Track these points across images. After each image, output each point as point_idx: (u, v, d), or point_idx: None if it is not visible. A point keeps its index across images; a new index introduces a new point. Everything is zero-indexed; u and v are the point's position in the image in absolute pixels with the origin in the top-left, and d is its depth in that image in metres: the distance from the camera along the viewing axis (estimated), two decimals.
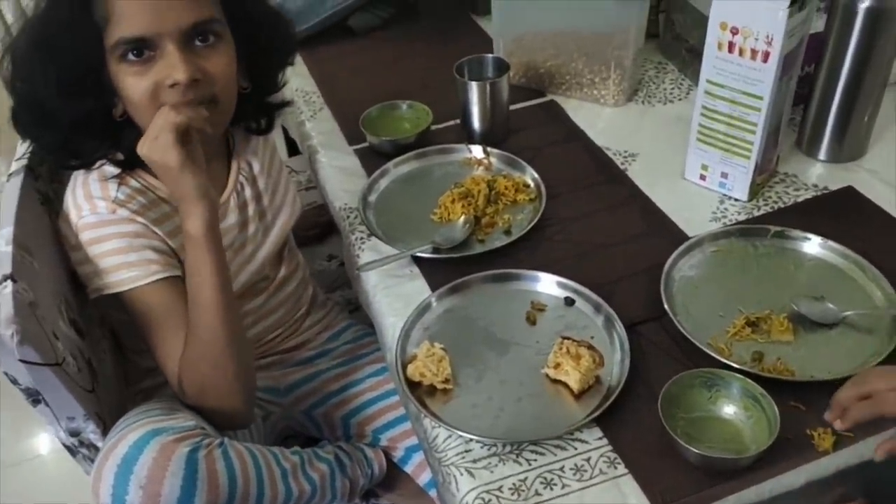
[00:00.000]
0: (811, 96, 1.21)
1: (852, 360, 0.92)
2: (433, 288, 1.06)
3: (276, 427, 1.25)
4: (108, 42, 0.91)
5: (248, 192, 1.13)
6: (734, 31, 1.05)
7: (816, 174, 1.21)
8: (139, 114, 0.94)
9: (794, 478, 0.83)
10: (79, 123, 0.95)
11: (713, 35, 1.07)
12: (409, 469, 1.19)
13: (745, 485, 0.81)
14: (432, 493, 1.16)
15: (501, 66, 1.30)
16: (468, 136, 1.33)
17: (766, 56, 1.03)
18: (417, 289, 1.07)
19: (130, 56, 0.91)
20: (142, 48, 0.90)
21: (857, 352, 0.93)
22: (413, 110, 1.36)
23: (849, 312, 0.96)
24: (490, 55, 1.33)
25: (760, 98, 1.07)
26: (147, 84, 0.91)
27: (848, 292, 1.00)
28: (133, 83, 0.92)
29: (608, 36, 1.34)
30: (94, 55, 0.91)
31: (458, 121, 1.37)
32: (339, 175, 1.29)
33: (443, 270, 1.09)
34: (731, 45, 1.06)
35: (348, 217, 1.21)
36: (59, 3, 0.91)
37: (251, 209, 1.13)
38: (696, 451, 0.81)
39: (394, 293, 1.07)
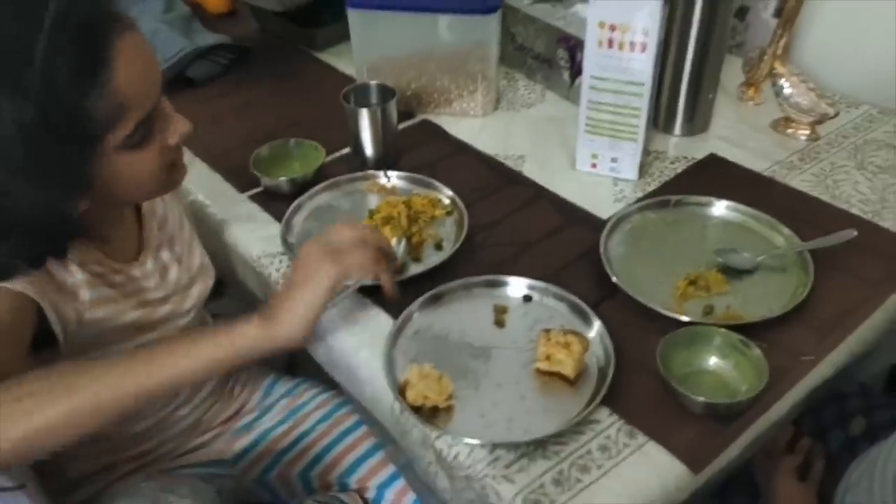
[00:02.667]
0: (662, 79, 1.36)
1: (782, 296, 1.04)
2: (391, 313, 1.05)
3: (231, 503, 1.15)
4: (116, 137, 0.77)
5: (165, 255, 1.04)
6: (612, 28, 1.16)
7: (679, 147, 1.36)
8: (143, 189, 0.86)
9: (779, 409, 0.93)
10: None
11: (593, 35, 1.17)
12: None
13: (749, 423, 0.90)
14: None
15: (386, 92, 1.32)
16: (362, 163, 1.32)
17: (644, 47, 1.15)
18: (376, 318, 1.05)
19: (137, 136, 0.79)
20: (147, 123, 0.80)
21: (783, 288, 1.06)
22: (300, 147, 1.33)
23: (761, 257, 1.10)
24: (373, 82, 1.34)
25: (642, 84, 1.18)
26: (155, 155, 0.83)
27: (753, 241, 1.14)
28: (142, 162, 0.82)
29: (467, 52, 1.41)
30: (87, 157, 0.77)
31: (346, 150, 1.36)
32: (243, 224, 1.23)
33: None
34: (610, 42, 1.17)
35: (271, 264, 1.15)
36: (52, 116, 0.72)
37: (172, 274, 1.05)
38: (703, 400, 0.89)
39: (357, 328, 1.04)
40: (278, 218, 1.21)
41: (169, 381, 0.82)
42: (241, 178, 1.30)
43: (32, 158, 0.72)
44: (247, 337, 0.86)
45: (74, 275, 0.87)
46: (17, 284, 0.79)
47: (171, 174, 0.90)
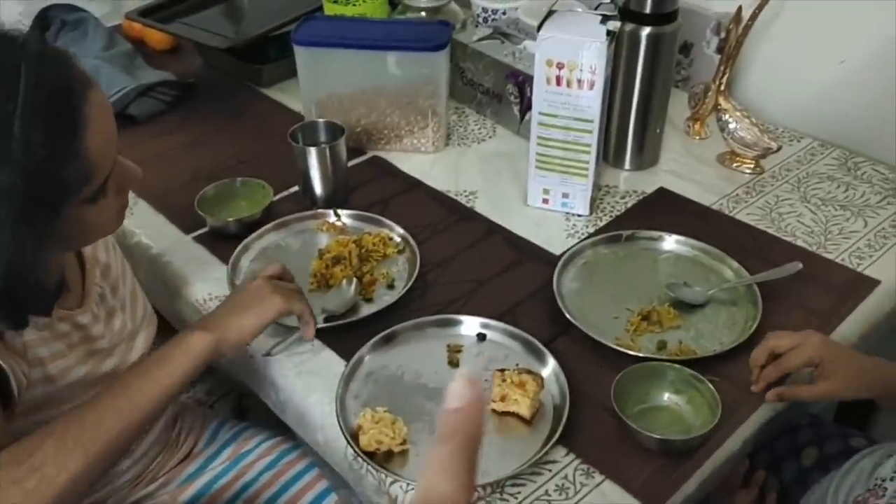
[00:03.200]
0: (610, 116, 1.38)
1: (733, 329, 1.05)
2: (342, 355, 1.03)
3: None
4: (87, 191, 0.78)
5: (110, 301, 1.01)
6: (560, 66, 1.17)
7: (629, 182, 1.37)
8: (98, 236, 0.90)
9: (733, 443, 0.93)
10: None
11: (541, 72, 1.18)
12: None
13: (704, 458, 0.90)
14: None
15: (335, 129, 1.30)
16: (311, 202, 1.30)
17: (592, 84, 1.16)
18: (327, 361, 1.03)
19: (99, 191, 0.80)
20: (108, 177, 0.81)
21: (734, 322, 1.07)
22: (246, 186, 1.31)
23: (712, 291, 1.11)
24: (321, 120, 1.33)
25: (591, 121, 1.19)
26: (113, 204, 0.84)
27: (703, 274, 1.15)
28: (100, 212, 0.82)
29: (417, 87, 1.40)
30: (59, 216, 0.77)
31: (294, 189, 1.34)
32: (188, 266, 1.20)
33: (344, 336, 1.06)
34: (558, 79, 1.18)
35: None
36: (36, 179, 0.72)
37: (117, 322, 1.01)
38: (658, 436, 0.89)
39: (306, 371, 1.02)
40: (225, 259, 1.19)
41: (151, 405, 0.86)
42: (185, 219, 1.27)
43: (13, 222, 0.72)
44: (199, 347, 0.90)
45: (26, 332, 0.84)
46: None
47: (121, 216, 0.91)
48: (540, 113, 1.22)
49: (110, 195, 0.83)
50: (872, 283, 1.12)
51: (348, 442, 0.91)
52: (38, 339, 0.86)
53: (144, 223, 1.29)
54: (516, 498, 0.86)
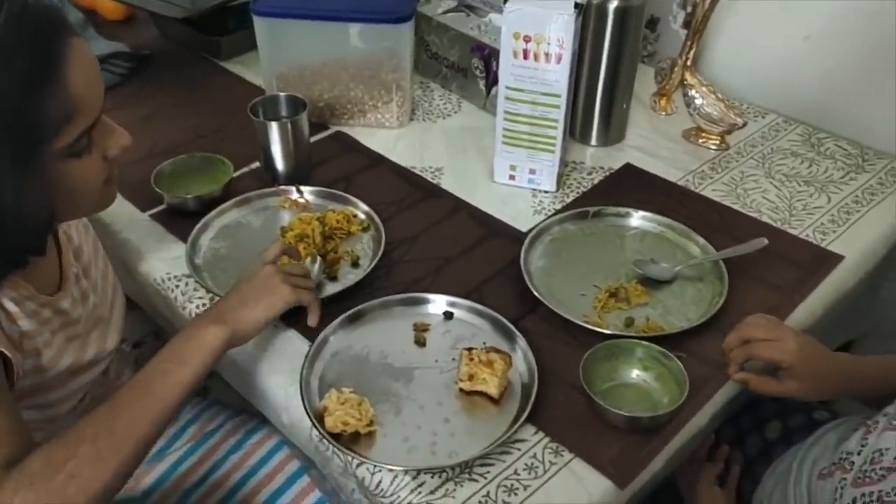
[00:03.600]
0: (577, 91, 1.36)
1: (700, 305, 1.06)
2: (306, 334, 1.01)
3: None
4: (61, 142, 0.74)
5: (84, 283, 0.97)
6: (527, 40, 1.14)
7: (596, 158, 1.36)
8: (88, 199, 0.83)
9: (701, 419, 0.93)
10: None
11: (507, 45, 1.16)
12: None
13: (672, 434, 0.90)
14: None
15: (297, 104, 1.27)
16: (273, 179, 1.27)
17: (560, 58, 1.14)
18: (290, 340, 1.01)
19: (80, 144, 0.76)
20: (90, 132, 0.77)
21: (700, 298, 1.07)
22: (205, 162, 1.26)
23: (679, 267, 1.10)
24: (282, 93, 1.29)
25: (558, 96, 1.18)
26: (96, 165, 0.80)
27: (670, 250, 1.15)
28: (89, 169, 0.79)
29: (380, 61, 1.37)
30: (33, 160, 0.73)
31: (255, 165, 1.30)
32: (146, 245, 1.16)
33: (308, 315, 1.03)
34: (525, 53, 1.16)
35: (177, 287, 1.09)
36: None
37: (90, 304, 0.97)
38: (625, 414, 0.88)
39: (270, 352, 0.99)
40: (183, 238, 1.15)
41: (175, 403, 0.84)
42: (141, 196, 1.23)
43: None
44: (217, 340, 0.88)
45: (18, 320, 0.82)
46: None
47: (108, 189, 0.87)
48: (507, 87, 1.20)
49: (95, 153, 0.80)
50: (836, 259, 1.13)
51: (313, 424, 0.89)
52: (33, 330, 0.84)
53: None
54: (485, 478, 0.85)
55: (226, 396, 1.18)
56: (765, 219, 1.20)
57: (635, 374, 0.96)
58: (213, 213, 1.18)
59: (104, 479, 0.76)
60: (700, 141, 1.37)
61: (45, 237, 0.81)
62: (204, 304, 1.06)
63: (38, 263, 0.84)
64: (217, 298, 1.05)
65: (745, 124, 1.33)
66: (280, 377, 0.97)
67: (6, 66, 0.68)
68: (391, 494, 0.84)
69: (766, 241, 1.09)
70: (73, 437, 0.77)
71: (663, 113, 1.47)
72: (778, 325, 0.95)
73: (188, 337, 0.88)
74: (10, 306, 0.81)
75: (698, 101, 1.34)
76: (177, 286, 1.09)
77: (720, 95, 1.34)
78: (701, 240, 1.14)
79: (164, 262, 1.13)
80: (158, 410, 0.82)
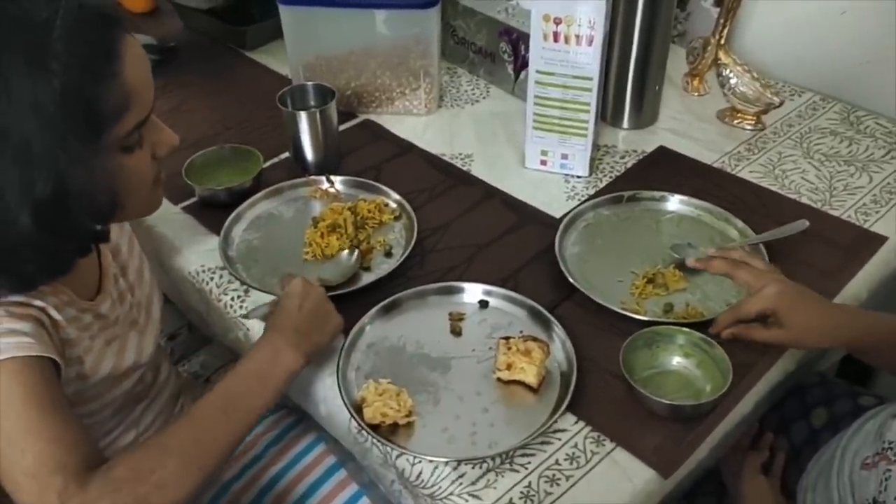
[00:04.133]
0: (608, 73, 1.34)
1: (740, 290, 1.03)
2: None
3: None
4: (118, 132, 0.75)
5: (122, 283, 0.97)
6: (557, 22, 1.12)
7: (629, 141, 1.34)
8: (137, 199, 0.83)
9: (745, 406, 0.91)
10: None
11: (537, 28, 1.14)
12: None
13: (716, 422, 0.88)
14: None
15: (325, 93, 1.26)
16: (302, 169, 1.26)
17: (591, 40, 1.12)
18: None
19: (133, 138, 0.78)
20: (142, 127, 0.78)
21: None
22: (235, 153, 1.26)
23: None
24: (310, 83, 1.28)
25: (590, 79, 1.16)
26: (147, 162, 0.81)
27: (707, 234, 1.13)
28: (141, 167, 0.80)
29: (407, 47, 1.36)
30: (91, 147, 0.74)
31: (286, 155, 1.30)
32: (179, 238, 1.16)
33: (343, 306, 1.02)
34: (555, 35, 1.13)
35: (212, 279, 1.09)
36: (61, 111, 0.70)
37: (128, 302, 0.97)
38: (668, 402, 0.87)
39: None
40: (216, 230, 1.15)
41: (254, 421, 0.85)
42: (173, 189, 1.21)
43: (44, 143, 0.70)
44: (296, 367, 0.88)
45: (61, 328, 0.82)
46: (32, 348, 0.76)
47: (155, 191, 0.88)
48: (537, 71, 1.18)
49: (145, 150, 0.81)
50: (880, 240, 1.10)
51: (352, 415, 0.88)
52: (75, 337, 0.84)
53: None
54: (526, 468, 0.84)
55: None
56: (804, 200, 1.18)
57: (676, 361, 0.94)
58: (245, 204, 1.18)
59: (186, 490, 0.78)
60: (735, 122, 1.34)
61: (108, 223, 0.82)
62: (239, 297, 1.06)
63: (78, 267, 0.83)
64: (249, 290, 1.05)
65: (781, 103, 1.30)
66: (317, 369, 0.96)
67: (70, 50, 0.69)
68: (432, 485, 0.84)
69: (807, 223, 1.06)
70: (159, 448, 0.79)
71: (696, 94, 1.44)
72: (764, 273, 0.93)
73: (272, 359, 0.88)
74: (54, 314, 0.81)
75: (733, 81, 1.31)
76: (211, 279, 1.09)
77: (755, 74, 1.31)
78: (739, 223, 1.12)
79: (198, 254, 1.13)
80: (240, 429, 0.84)
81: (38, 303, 0.79)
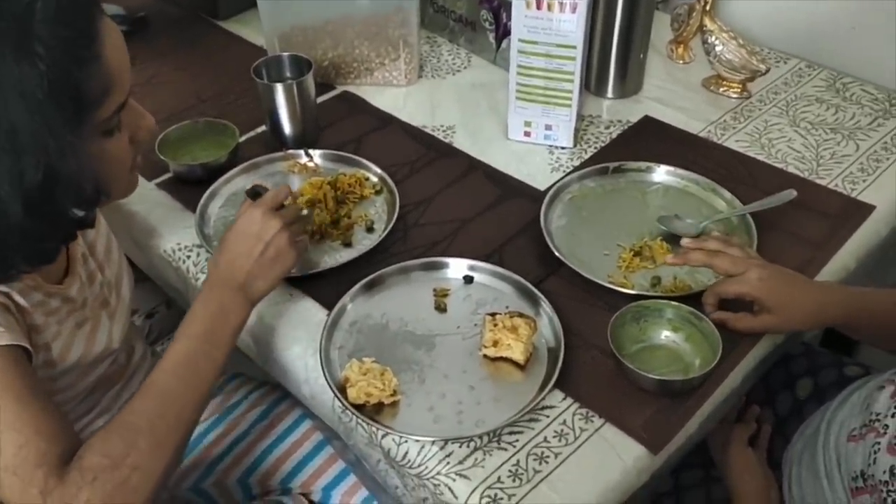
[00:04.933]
0: (592, 41, 1.31)
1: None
2: (323, 303, 0.98)
3: None
4: (100, 116, 0.73)
5: (91, 263, 0.94)
6: None
7: (613, 111, 1.32)
8: (118, 184, 0.81)
9: (734, 379, 0.90)
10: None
11: None
12: None
13: (705, 396, 0.87)
14: None
15: (301, 64, 1.22)
16: (280, 143, 1.23)
17: (574, 7, 1.09)
18: (308, 310, 0.98)
19: (113, 122, 0.76)
20: (121, 110, 0.76)
21: None
22: (210, 128, 1.22)
23: (704, 223, 1.07)
24: (286, 54, 1.24)
25: (574, 47, 1.13)
26: (126, 147, 0.79)
27: (695, 205, 1.11)
28: (120, 150, 0.78)
29: (386, 16, 1.32)
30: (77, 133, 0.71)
31: (262, 129, 1.26)
32: (153, 215, 1.13)
33: (324, 284, 1.00)
34: (538, 2, 1.10)
35: (188, 258, 1.06)
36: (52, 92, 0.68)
37: (98, 282, 0.94)
38: (657, 377, 0.85)
39: (287, 322, 0.97)
40: (191, 207, 1.11)
41: (214, 383, 0.84)
42: (147, 164, 1.17)
43: (32, 130, 0.68)
44: (243, 316, 0.88)
45: (27, 314, 0.80)
46: (2, 336, 0.74)
47: (133, 175, 0.87)
48: (520, 40, 1.15)
49: (124, 134, 0.79)
50: (867, 209, 1.09)
51: (336, 395, 0.86)
52: (41, 323, 0.82)
53: None
54: (514, 446, 0.83)
55: (248, 370, 1.16)
56: (791, 169, 1.16)
57: (664, 335, 0.92)
58: (221, 180, 1.15)
59: (164, 464, 0.77)
60: (721, 90, 1.32)
61: (94, 209, 0.80)
62: None
63: None
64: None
65: (767, 70, 1.28)
66: (299, 348, 0.94)
67: (53, 34, 0.68)
68: (419, 465, 0.82)
69: (794, 193, 1.05)
70: (126, 429, 0.76)
71: (681, 61, 1.41)
72: (742, 260, 0.92)
73: (219, 315, 0.86)
74: (19, 299, 0.78)
75: (718, 48, 1.28)
76: (188, 257, 1.06)
77: (741, 41, 1.28)
78: (727, 193, 1.10)
79: (174, 232, 1.09)
80: (203, 392, 0.83)
81: (1, 288, 0.76)
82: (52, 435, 0.73)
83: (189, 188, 1.15)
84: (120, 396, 1.01)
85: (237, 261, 0.88)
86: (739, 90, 1.31)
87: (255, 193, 0.95)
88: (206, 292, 0.88)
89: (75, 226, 0.79)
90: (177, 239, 1.08)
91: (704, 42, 1.31)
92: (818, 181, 1.14)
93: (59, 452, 0.73)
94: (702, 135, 1.24)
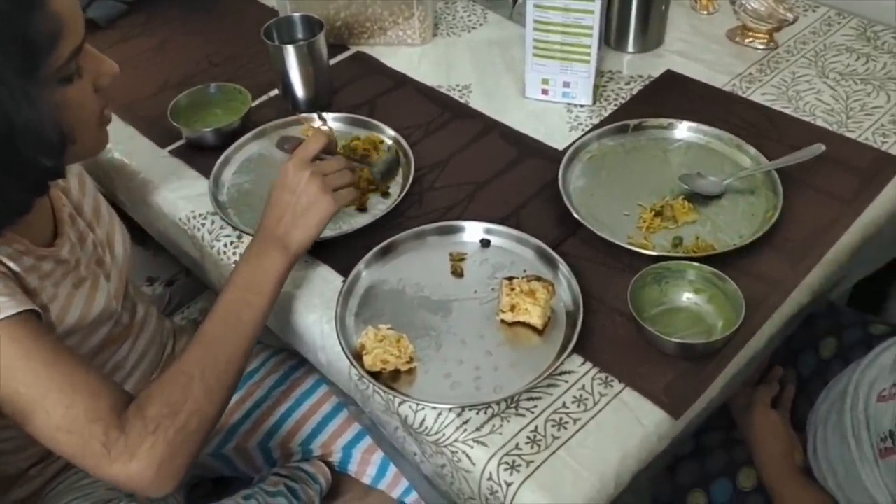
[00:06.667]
0: None
1: (753, 220, 0.99)
2: (338, 269, 0.97)
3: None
4: (54, 63, 0.72)
5: (80, 223, 0.94)
6: None
7: (634, 66, 1.28)
8: (86, 134, 0.80)
9: (757, 341, 0.88)
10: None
11: None
12: (351, 469, 1.09)
13: (727, 360, 0.85)
14: (380, 486, 1.08)
15: (313, 24, 1.19)
16: (293, 106, 1.21)
17: None
18: (324, 277, 0.97)
19: (70, 68, 0.75)
20: (77, 56, 0.75)
21: (753, 211, 1.00)
22: (222, 92, 1.20)
23: (728, 179, 1.03)
24: (297, 14, 1.21)
25: (592, 0, 1.09)
26: (89, 94, 0.78)
27: (718, 163, 1.08)
28: (84, 98, 0.78)
29: None
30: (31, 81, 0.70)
31: (274, 92, 1.24)
32: (167, 182, 1.12)
33: (339, 250, 0.99)
34: None
35: (203, 225, 1.05)
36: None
37: (90, 241, 0.94)
38: (677, 341, 0.83)
39: (303, 289, 0.96)
40: (206, 173, 1.10)
41: (258, 330, 0.87)
42: (159, 131, 1.18)
43: None
44: (283, 267, 0.89)
45: (25, 279, 0.80)
46: (8, 305, 0.74)
47: (101, 130, 0.86)
48: None
49: (86, 81, 0.78)
50: None
51: (352, 363, 0.86)
52: (37, 286, 0.82)
53: (116, 137, 1.17)
54: (532, 412, 0.82)
55: (265, 337, 1.16)
56: (820, 122, 1.12)
57: (686, 297, 0.90)
58: (234, 146, 1.13)
59: (218, 408, 0.82)
60: (746, 41, 1.27)
61: (61, 158, 0.78)
62: (232, 242, 1.02)
63: (29, 215, 0.80)
64: (242, 236, 1.02)
65: (795, 19, 1.23)
66: (314, 315, 0.93)
67: None
68: (436, 432, 0.82)
69: (822, 148, 1.01)
70: (182, 377, 0.80)
71: (705, 12, 1.36)
72: None
73: (257, 266, 0.88)
74: (11, 265, 0.78)
75: None
76: (203, 224, 1.05)
77: None
78: (752, 149, 1.06)
79: (188, 200, 1.09)
80: (249, 339, 0.86)
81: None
82: (95, 390, 0.75)
83: (203, 154, 1.14)
84: (132, 353, 1.02)
85: (274, 213, 0.90)
86: (766, 41, 1.26)
87: (282, 146, 0.98)
88: (250, 245, 0.90)
89: (45, 175, 0.78)
90: (191, 207, 1.07)
91: None
92: (847, 134, 1.10)
93: (110, 405, 0.75)
94: (726, 89, 1.20)
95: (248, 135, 1.15)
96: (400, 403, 0.84)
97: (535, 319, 0.88)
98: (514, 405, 0.83)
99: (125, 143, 1.18)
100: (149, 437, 0.74)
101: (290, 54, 1.15)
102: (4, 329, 0.73)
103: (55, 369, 0.74)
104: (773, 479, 0.96)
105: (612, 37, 1.31)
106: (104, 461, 0.73)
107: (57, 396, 0.74)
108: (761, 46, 1.27)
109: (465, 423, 0.81)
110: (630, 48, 1.31)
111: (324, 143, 0.92)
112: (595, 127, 1.14)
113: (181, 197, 1.09)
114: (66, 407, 0.73)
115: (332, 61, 1.30)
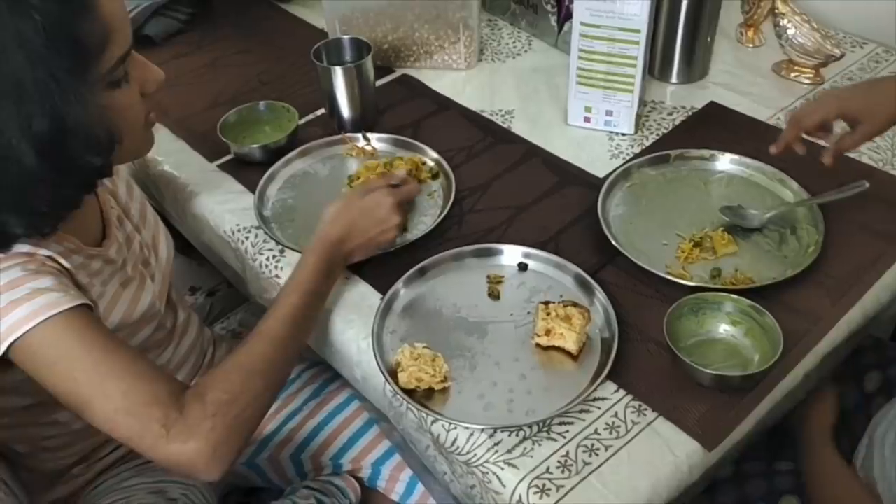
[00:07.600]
0: (656, 23, 1.27)
1: (796, 254, 0.98)
2: (377, 287, 0.98)
3: (215, 488, 1.09)
4: (103, 66, 0.75)
5: (127, 225, 0.97)
6: None
7: (677, 97, 1.28)
8: (133, 136, 0.82)
9: (795, 376, 0.87)
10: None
11: None
12: (381, 486, 1.09)
13: (763, 394, 0.84)
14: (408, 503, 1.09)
15: (361, 46, 1.22)
16: (338, 126, 1.23)
17: None
18: (363, 294, 0.99)
19: (118, 73, 0.77)
20: (125, 62, 0.78)
21: (794, 246, 1.00)
22: (271, 110, 1.24)
23: (769, 214, 1.03)
24: (346, 36, 1.24)
25: (638, 31, 1.10)
26: (136, 98, 0.82)
27: (759, 195, 1.07)
28: (131, 103, 0.81)
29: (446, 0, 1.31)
30: (81, 83, 0.73)
31: (321, 111, 1.27)
32: (214, 195, 1.15)
33: (378, 268, 1.01)
34: None
35: (247, 238, 1.07)
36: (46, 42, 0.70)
37: (137, 242, 0.97)
38: (713, 372, 0.83)
39: (341, 305, 0.97)
40: (251, 188, 1.13)
41: (308, 336, 0.93)
42: (208, 146, 1.21)
43: (35, 78, 0.70)
44: (340, 275, 0.97)
45: (75, 276, 0.83)
46: (62, 301, 0.76)
47: (147, 132, 0.89)
48: (582, 24, 1.12)
49: (133, 86, 0.81)
50: None
51: (387, 380, 0.87)
52: (86, 283, 0.85)
53: (166, 150, 1.23)
54: (564, 437, 0.82)
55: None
56: (865, 159, 1.11)
57: (723, 329, 0.90)
58: (280, 162, 1.16)
59: (270, 403, 0.86)
60: (792, 75, 1.27)
61: (109, 157, 0.80)
62: (274, 256, 1.04)
63: (79, 215, 0.84)
64: (285, 251, 1.04)
65: (842, 55, 1.23)
66: (352, 331, 0.95)
67: None
68: (467, 452, 0.82)
69: (866, 184, 1.01)
70: (244, 368, 0.83)
71: (751, 45, 1.37)
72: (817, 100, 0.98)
73: (325, 273, 0.93)
74: (63, 261, 0.81)
75: (791, 31, 1.24)
76: (246, 238, 1.08)
77: (815, 24, 1.23)
78: (794, 184, 1.06)
79: (233, 213, 1.11)
80: (303, 342, 0.91)
81: (42, 252, 0.79)
82: (152, 376, 0.78)
83: (249, 170, 1.17)
84: (174, 357, 1.04)
85: (353, 233, 0.96)
86: (812, 76, 1.26)
87: None
88: (318, 252, 0.93)
89: (94, 174, 0.81)
90: (236, 220, 1.10)
91: (776, 25, 1.26)
92: (893, 172, 1.09)
93: (168, 391, 0.78)
94: (770, 122, 1.20)
95: (294, 152, 1.18)
96: (433, 422, 0.85)
97: (571, 345, 0.89)
98: (546, 429, 0.83)
99: (175, 157, 1.22)
100: (208, 419, 0.76)
101: (339, 75, 1.18)
102: (62, 322, 0.76)
103: (113, 357, 0.77)
104: None
105: (656, 67, 1.32)
106: (162, 441, 0.75)
107: (116, 383, 0.76)
108: (807, 81, 1.26)
109: (496, 444, 0.82)
110: (674, 79, 1.31)
111: (403, 178, 1.05)
112: (636, 156, 1.15)
113: (227, 210, 1.12)
114: (124, 392, 0.76)
115: (379, 83, 1.32)
